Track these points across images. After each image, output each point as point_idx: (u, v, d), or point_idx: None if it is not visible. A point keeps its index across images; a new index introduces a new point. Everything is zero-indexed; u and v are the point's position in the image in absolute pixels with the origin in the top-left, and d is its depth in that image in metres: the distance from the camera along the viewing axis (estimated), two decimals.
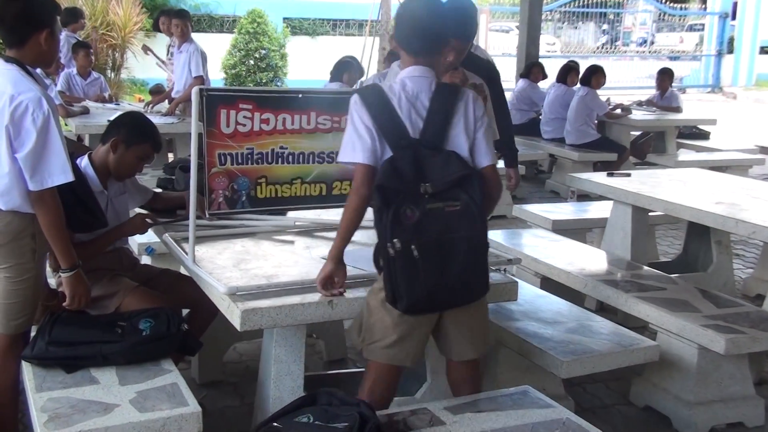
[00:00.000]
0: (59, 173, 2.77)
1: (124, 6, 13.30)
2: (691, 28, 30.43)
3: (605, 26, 29.11)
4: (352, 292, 2.76)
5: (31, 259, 2.90)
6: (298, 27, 16.91)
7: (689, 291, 3.95)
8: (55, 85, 7.51)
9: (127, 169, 3.39)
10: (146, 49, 8.66)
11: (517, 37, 12.25)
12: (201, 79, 7.44)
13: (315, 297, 2.71)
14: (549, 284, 4.41)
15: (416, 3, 2.65)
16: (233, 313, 2.63)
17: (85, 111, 7.31)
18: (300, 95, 3.16)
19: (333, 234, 3.44)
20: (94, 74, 8.37)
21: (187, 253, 3.06)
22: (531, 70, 9.51)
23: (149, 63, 11.93)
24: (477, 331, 2.68)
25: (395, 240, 2.38)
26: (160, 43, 8.52)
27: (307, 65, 15.85)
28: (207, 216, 3.09)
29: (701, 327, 3.47)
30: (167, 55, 8.31)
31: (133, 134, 3.35)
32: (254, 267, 3.01)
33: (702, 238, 5.10)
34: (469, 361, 2.71)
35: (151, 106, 7.88)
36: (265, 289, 2.75)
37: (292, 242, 3.35)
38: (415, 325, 2.56)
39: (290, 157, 3.14)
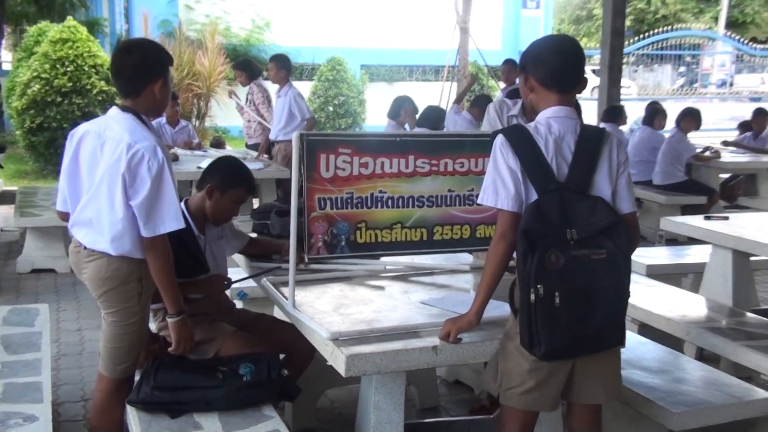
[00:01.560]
0: (171, 220, 2.82)
1: (209, 56, 13.73)
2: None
3: (682, 68, 28.70)
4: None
5: (137, 304, 2.95)
6: (375, 74, 17.16)
7: None
8: None
9: (223, 213, 3.44)
10: (231, 92, 8.89)
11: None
12: (313, 120, 7.64)
13: (419, 343, 2.66)
14: (647, 331, 4.25)
15: (565, 39, 2.63)
16: (337, 359, 2.60)
17: (175, 158, 7.51)
18: (398, 139, 3.15)
19: (427, 279, 3.49)
20: (182, 122, 8.62)
21: (287, 298, 3.06)
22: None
23: (231, 111, 12.29)
24: (611, 376, 2.60)
25: (539, 286, 2.32)
26: (241, 92, 8.72)
27: (384, 111, 15.97)
28: (306, 261, 3.09)
29: None
30: (246, 102, 8.51)
31: (228, 179, 3.41)
32: (354, 312, 2.98)
33: None
34: (596, 408, 2.65)
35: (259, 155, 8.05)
36: (367, 334, 2.72)
37: (388, 287, 3.32)
38: (553, 371, 2.49)
39: (389, 201, 3.12)
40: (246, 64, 8.47)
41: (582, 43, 22.41)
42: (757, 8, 34.83)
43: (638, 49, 22.21)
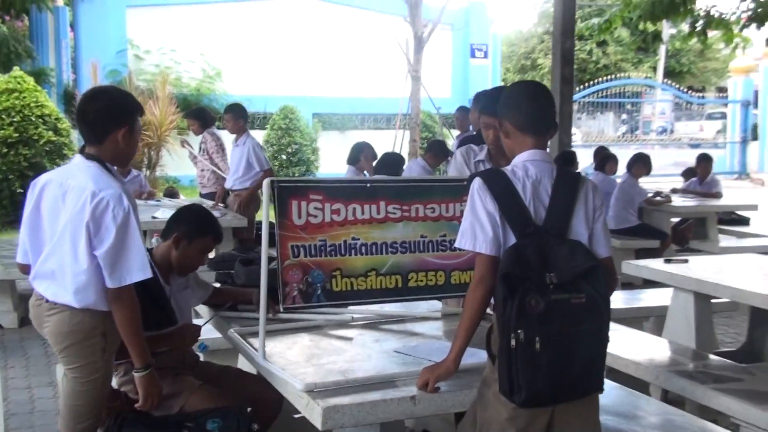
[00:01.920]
0: (138, 270, 2.73)
1: (160, 106, 13.62)
2: (710, 117, 30.66)
3: (624, 116, 29.46)
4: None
5: (100, 359, 2.83)
6: (328, 122, 17.22)
7: None
8: None
9: (190, 263, 3.35)
10: (184, 142, 8.79)
11: None
12: (271, 172, 7.64)
13: (396, 393, 2.58)
14: (613, 375, 4.23)
15: (537, 85, 2.66)
16: (313, 411, 2.51)
17: None
18: (368, 185, 3.12)
19: (397, 326, 3.42)
20: (134, 172, 8.47)
21: (256, 349, 2.97)
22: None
23: (182, 161, 12.18)
24: (590, 423, 2.55)
25: (519, 331, 2.27)
26: (194, 141, 8.66)
27: (337, 159, 16.03)
28: (281, 311, 3.00)
29: None
30: (199, 151, 8.42)
31: (195, 228, 3.33)
32: (327, 362, 2.90)
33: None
34: None
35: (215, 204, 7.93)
36: (342, 385, 2.64)
37: (359, 336, 3.25)
38: (532, 419, 2.42)
39: (363, 248, 3.07)
40: (199, 113, 8.39)
41: None
42: (692, 58, 36.11)
43: (582, 97, 22.74)
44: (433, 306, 3.72)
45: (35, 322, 2.94)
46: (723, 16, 10.78)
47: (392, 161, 7.54)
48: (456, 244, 2.54)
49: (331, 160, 15.59)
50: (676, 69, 35.77)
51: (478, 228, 2.45)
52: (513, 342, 2.29)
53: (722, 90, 30.15)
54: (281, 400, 3.45)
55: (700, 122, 30.93)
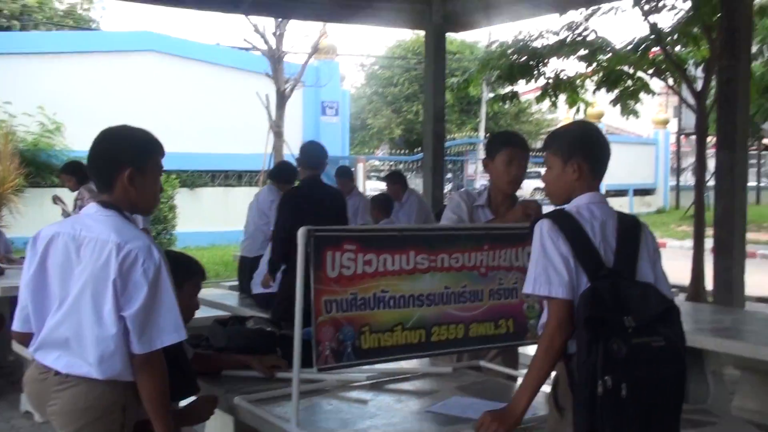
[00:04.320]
0: (171, 331, 2.41)
1: (2, 162, 12.49)
2: (528, 176, 32.58)
3: (449, 175, 30.70)
4: None
5: None
6: (186, 180, 16.46)
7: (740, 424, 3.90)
8: None
9: (187, 311, 3.00)
10: (56, 198, 8.09)
11: None
12: (148, 230, 7.15)
13: None
14: None
15: (599, 129, 2.63)
16: None
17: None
18: (399, 233, 2.96)
19: (410, 384, 3.26)
20: None
21: (281, 417, 2.71)
22: None
23: (27, 221, 11.25)
24: None
25: (606, 378, 2.19)
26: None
27: (195, 217, 15.50)
28: (317, 371, 2.75)
29: None
30: (74, 208, 7.80)
31: (180, 272, 3.01)
32: (368, 426, 2.70)
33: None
34: None
35: None
36: None
37: (376, 397, 3.06)
38: None
39: (391, 301, 2.88)
40: (76, 168, 7.76)
41: (356, 151, 23.33)
42: (509, 121, 38.46)
43: (414, 161, 23.56)
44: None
45: (35, 400, 2.51)
46: (571, 79, 11.55)
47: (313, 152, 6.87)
48: (526, 290, 2.44)
49: (189, 218, 15.01)
50: (495, 130, 37.87)
51: (552, 271, 2.37)
52: (600, 389, 2.21)
53: (540, 151, 32.23)
54: None
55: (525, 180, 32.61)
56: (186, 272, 2.99)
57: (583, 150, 2.54)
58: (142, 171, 2.56)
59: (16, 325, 2.53)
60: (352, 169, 19.53)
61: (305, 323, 2.66)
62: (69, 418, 2.41)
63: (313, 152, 5.96)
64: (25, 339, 2.51)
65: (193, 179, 16.58)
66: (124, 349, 2.38)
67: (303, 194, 5.84)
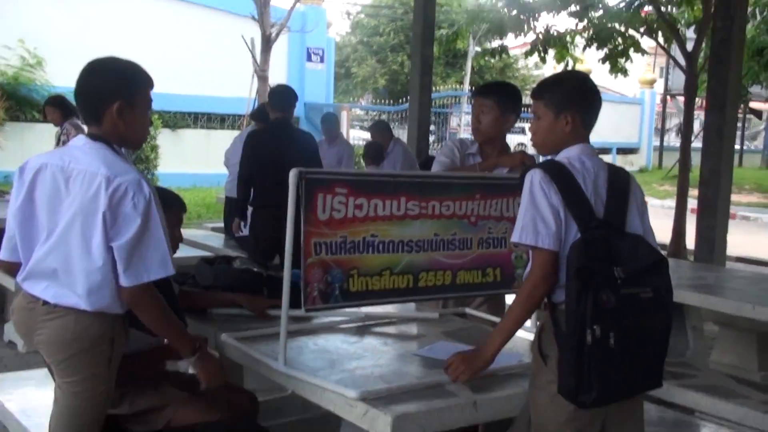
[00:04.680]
0: (158, 266, 2.39)
1: None
2: (511, 131, 32.58)
3: (432, 127, 30.57)
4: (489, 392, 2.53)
5: (106, 370, 2.45)
6: (169, 120, 16.22)
7: (719, 377, 3.99)
8: None
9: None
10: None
11: None
12: None
13: (457, 400, 2.44)
14: None
15: (591, 79, 2.59)
16: (376, 421, 2.31)
17: None
18: (392, 179, 2.94)
19: (396, 328, 3.28)
20: None
21: (269, 356, 2.71)
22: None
23: (7, 154, 11.07)
24: (639, 419, 2.53)
25: (595, 327, 2.20)
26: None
27: (179, 157, 15.36)
28: (304, 311, 2.75)
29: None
30: (58, 144, 7.68)
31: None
32: (355, 367, 2.71)
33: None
34: None
35: None
36: (395, 392, 2.45)
37: (363, 339, 3.08)
38: (592, 418, 2.37)
39: (381, 245, 2.87)
40: (60, 101, 7.62)
41: (340, 99, 23.04)
42: (494, 75, 38.23)
43: (398, 111, 23.40)
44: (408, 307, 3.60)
45: (23, 328, 2.49)
46: (561, 35, 11.46)
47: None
48: (513, 239, 2.43)
49: (172, 159, 14.88)
50: (480, 84, 37.63)
51: (540, 222, 2.36)
52: (589, 338, 2.22)
53: (526, 107, 32.14)
54: (257, 412, 3.20)
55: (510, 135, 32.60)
56: (165, 202, 2.95)
57: (578, 102, 2.51)
58: (131, 104, 2.51)
59: (3, 255, 2.50)
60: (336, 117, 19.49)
61: (293, 265, 2.65)
62: (56, 348, 2.40)
63: (282, 94, 5.92)
64: (12, 268, 2.49)
65: (176, 120, 16.40)
66: (113, 281, 2.36)
67: (268, 135, 5.80)
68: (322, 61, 18.90)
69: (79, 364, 2.40)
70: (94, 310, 2.36)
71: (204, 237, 6.94)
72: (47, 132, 7.77)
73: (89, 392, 2.42)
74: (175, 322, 2.56)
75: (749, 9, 10.63)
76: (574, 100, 2.51)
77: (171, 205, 2.97)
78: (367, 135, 9.66)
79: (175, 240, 2.96)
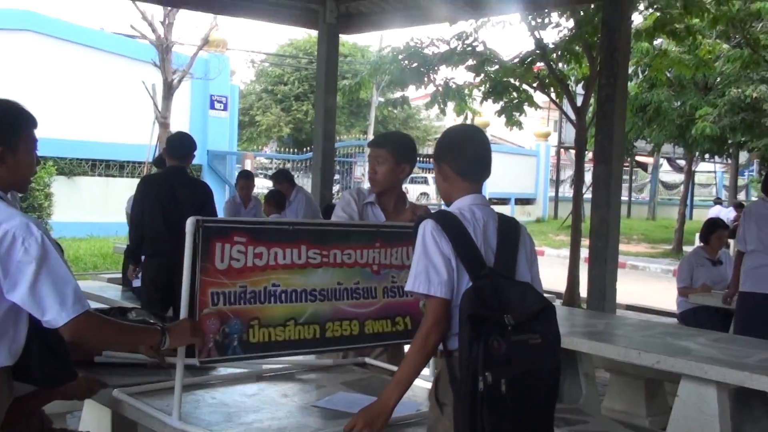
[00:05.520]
0: (75, 301, 2.29)
1: None
2: (413, 180, 33.13)
3: (337, 176, 30.75)
4: None
5: None
6: (65, 167, 15.74)
7: (609, 424, 4.11)
8: None
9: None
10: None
11: None
12: None
13: None
14: None
15: (476, 130, 2.70)
16: None
17: None
18: (291, 227, 2.95)
19: (295, 379, 3.25)
20: None
21: (163, 411, 2.65)
22: None
23: None
24: None
25: (487, 374, 2.25)
26: None
27: (72, 206, 14.85)
28: (198, 363, 2.70)
29: None
30: None
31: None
32: (253, 420, 2.68)
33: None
34: None
35: None
36: None
37: (263, 390, 3.05)
38: None
39: (283, 295, 2.86)
40: None
41: (244, 147, 22.75)
42: (398, 125, 38.86)
43: (305, 159, 23.50)
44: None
45: None
46: (459, 88, 11.80)
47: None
48: (407, 288, 2.48)
49: (66, 207, 14.39)
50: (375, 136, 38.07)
51: (432, 271, 2.42)
52: (481, 385, 2.27)
53: (427, 157, 32.74)
54: None
55: (405, 185, 32.99)
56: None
57: (448, 153, 2.61)
58: (13, 149, 2.41)
59: None
60: (238, 165, 19.34)
61: (191, 315, 2.62)
62: None
63: (178, 142, 5.85)
64: None
65: (72, 167, 15.93)
66: (10, 335, 2.27)
67: (162, 181, 5.73)
68: (225, 108, 18.79)
69: None
70: None
71: (99, 288, 6.73)
72: None
73: None
74: (126, 331, 2.54)
75: (631, 68, 11.28)
76: (446, 151, 2.62)
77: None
78: (270, 184, 9.65)
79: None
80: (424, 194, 28.95)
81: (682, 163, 27.67)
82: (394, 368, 3.45)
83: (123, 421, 2.97)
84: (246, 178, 8.94)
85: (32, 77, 15.09)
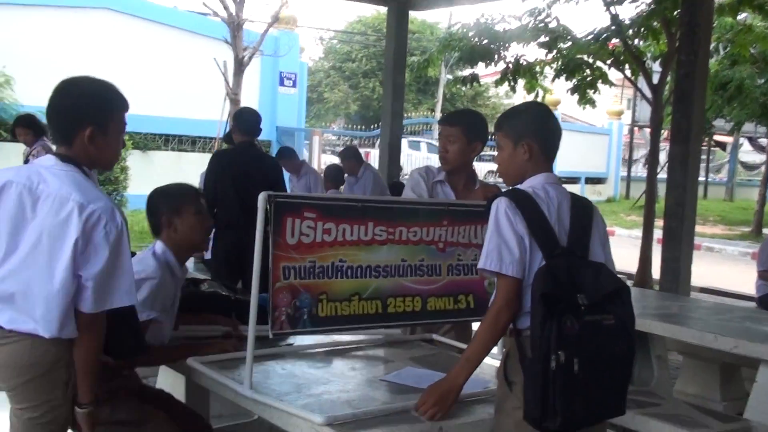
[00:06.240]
0: (125, 294, 2.37)
1: None
2: (481, 158, 32.89)
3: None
4: (456, 418, 2.53)
5: (62, 395, 2.41)
6: (140, 142, 16.15)
7: (682, 407, 4.01)
8: None
9: (197, 233, 3.10)
10: None
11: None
12: None
13: (425, 426, 2.45)
14: None
15: (550, 109, 2.65)
16: None
17: None
18: (359, 204, 2.95)
19: (363, 353, 3.27)
20: None
21: (235, 380, 2.70)
22: None
23: None
24: None
25: (560, 353, 2.22)
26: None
27: (147, 179, 15.20)
28: (271, 337, 2.74)
29: None
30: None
31: (174, 200, 3.08)
32: (322, 392, 2.70)
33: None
34: None
35: None
36: (361, 417, 2.45)
37: (330, 364, 3.08)
38: None
39: (349, 270, 2.88)
40: (31, 121, 7.54)
41: (312, 124, 22.91)
42: (465, 103, 38.59)
43: (370, 137, 23.55)
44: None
45: None
46: (530, 65, 11.60)
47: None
48: (480, 266, 2.46)
49: (141, 181, 14.75)
50: (446, 113, 37.87)
51: (504, 249, 2.39)
52: (553, 364, 2.25)
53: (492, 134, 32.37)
54: None
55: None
56: (180, 199, 3.08)
57: (533, 130, 2.56)
58: (104, 130, 2.47)
59: None
60: (306, 141, 19.49)
61: (261, 288, 2.65)
62: (12, 373, 2.36)
63: (247, 118, 5.90)
64: None
65: (146, 142, 16.30)
66: (72, 307, 2.34)
67: (233, 157, 5.78)
68: (294, 85, 18.91)
69: (35, 389, 2.36)
70: (51, 336, 2.32)
71: None
72: (14, 151, 7.66)
73: (46, 418, 2.38)
74: (98, 364, 2.48)
75: (712, 44, 10.88)
76: (530, 128, 2.56)
77: (187, 199, 3.07)
78: (338, 160, 9.71)
79: (200, 231, 3.10)
80: (491, 172, 28.72)
81: (764, 142, 26.74)
82: (462, 345, 3.45)
83: (196, 389, 3.03)
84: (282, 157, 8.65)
85: (108, 54, 15.43)
